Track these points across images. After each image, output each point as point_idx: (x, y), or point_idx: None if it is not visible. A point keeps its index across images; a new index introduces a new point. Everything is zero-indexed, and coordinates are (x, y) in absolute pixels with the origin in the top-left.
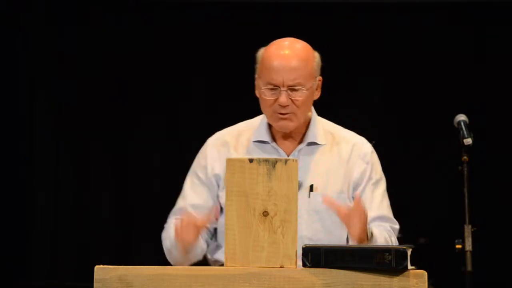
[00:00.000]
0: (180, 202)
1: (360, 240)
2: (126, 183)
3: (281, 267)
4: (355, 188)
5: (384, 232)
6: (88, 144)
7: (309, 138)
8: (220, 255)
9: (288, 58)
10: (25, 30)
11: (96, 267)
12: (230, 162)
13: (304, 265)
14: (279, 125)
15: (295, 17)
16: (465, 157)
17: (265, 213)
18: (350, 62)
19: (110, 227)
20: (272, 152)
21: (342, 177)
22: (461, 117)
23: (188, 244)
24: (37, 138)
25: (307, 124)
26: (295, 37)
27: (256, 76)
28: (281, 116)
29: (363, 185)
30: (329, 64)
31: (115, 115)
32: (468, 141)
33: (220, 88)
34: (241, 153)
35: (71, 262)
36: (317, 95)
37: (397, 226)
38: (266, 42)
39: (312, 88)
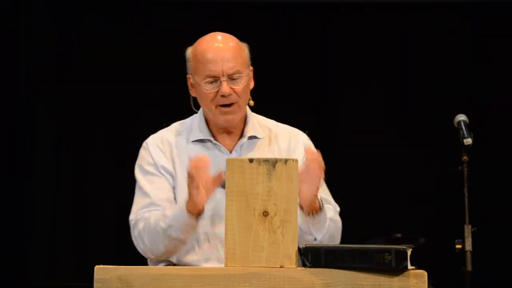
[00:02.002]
0: (144, 200)
1: (310, 208)
2: (126, 183)
3: (281, 267)
4: None
5: (331, 209)
6: (88, 144)
7: (249, 132)
8: (190, 258)
9: (223, 49)
10: (25, 30)
11: (96, 267)
12: (230, 162)
13: (304, 265)
14: (224, 119)
15: (295, 17)
16: (465, 157)
17: (265, 213)
18: (350, 62)
19: (110, 227)
20: (213, 149)
21: None
22: (461, 117)
23: (202, 207)
24: (37, 138)
25: (244, 119)
26: (296, 37)
27: (189, 75)
28: (225, 109)
29: None
30: (330, 64)
31: (115, 115)
32: (468, 141)
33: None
34: (182, 153)
35: (71, 262)
36: (252, 85)
37: (338, 208)
38: (266, 42)
39: (249, 76)
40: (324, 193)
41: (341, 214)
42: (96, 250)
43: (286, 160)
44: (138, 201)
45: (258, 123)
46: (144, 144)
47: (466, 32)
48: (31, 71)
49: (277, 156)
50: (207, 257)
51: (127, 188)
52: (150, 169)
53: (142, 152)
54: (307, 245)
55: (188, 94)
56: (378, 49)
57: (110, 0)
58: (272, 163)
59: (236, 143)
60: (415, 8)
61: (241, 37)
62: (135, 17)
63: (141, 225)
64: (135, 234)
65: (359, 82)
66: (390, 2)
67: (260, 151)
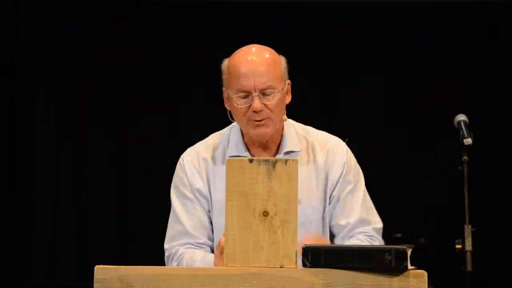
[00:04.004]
0: (177, 226)
1: None
2: (126, 182)
3: (281, 267)
4: (334, 193)
5: (365, 241)
6: (88, 144)
7: (285, 147)
8: None
9: (256, 63)
10: (25, 30)
11: (96, 267)
12: (230, 162)
13: (304, 265)
14: (256, 133)
15: (295, 17)
16: (465, 157)
17: (265, 213)
18: (350, 62)
19: (110, 227)
20: None
21: (322, 185)
22: (461, 117)
23: None
24: (37, 138)
25: (281, 132)
26: (296, 37)
27: (224, 88)
28: (257, 123)
29: (341, 189)
30: (330, 64)
31: (115, 115)
32: (468, 141)
33: (220, 88)
34: (218, 172)
35: (71, 262)
36: (288, 99)
37: (379, 225)
38: (266, 42)
39: (283, 91)
40: (365, 212)
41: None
42: (96, 250)
43: (286, 160)
44: (172, 227)
45: (297, 134)
46: (180, 161)
47: (466, 32)
48: (31, 71)
49: (314, 172)
50: None
51: (127, 188)
52: (186, 191)
53: (179, 170)
54: (307, 245)
55: (185, 92)
56: (378, 49)
57: (110, 0)
58: (272, 163)
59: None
60: (415, 8)
61: (241, 37)
62: (135, 17)
63: (175, 264)
64: (168, 264)
65: (359, 82)
66: (390, 2)
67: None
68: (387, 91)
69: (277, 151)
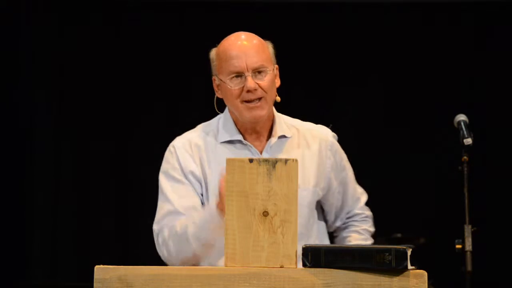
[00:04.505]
0: (167, 207)
1: None
2: (126, 183)
3: (281, 267)
4: (330, 181)
5: (361, 227)
6: (88, 144)
7: (278, 131)
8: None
9: (246, 46)
10: (25, 30)
11: (96, 267)
12: (230, 162)
13: (304, 265)
14: (251, 115)
15: (295, 17)
16: (465, 157)
17: (265, 213)
18: (350, 62)
19: (110, 227)
20: (243, 150)
21: (316, 170)
22: (461, 117)
23: None
24: (37, 138)
25: (272, 118)
26: (296, 36)
27: (214, 76)
28: (252, 105)
29: (337, 176)
30: (330, 64)
31: (115, 115)
32: (468, 141)
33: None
34: (211, 155)
35: (71, 262)
36: (278, 83)
37: (366, 197)
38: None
39: (274, 72)
40: (360, 194)
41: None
42: (96, 250)
43: (286, 160)
44: (161, 208)
45: (285, 122)
46: (170, 147)
47: (466, 31)
48: (31, 71)
49: (308, 157)
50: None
51: (127, 188)
52: (176, 175)
53: (168, 156)
54: (307, 245)
55: (185, 92)
56: (378, 49)
57: (110, 0)
58: (272, 163)
59: (266, 143)
60: (415, 8)
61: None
62: (135, 17)
63: (166, 233)
64: (159, 242)
65: (359, 82)
66: (390, 2)
67: (291, 151)
68: (387, 91)
69: (270, 135)
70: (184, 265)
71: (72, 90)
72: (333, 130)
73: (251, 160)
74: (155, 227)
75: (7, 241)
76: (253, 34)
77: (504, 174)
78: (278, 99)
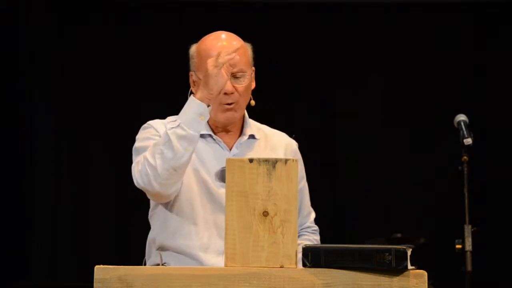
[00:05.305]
0: (143, 152)
1: None
2: (126, 183)
3: (281, 267)
4: None
5: (312, 236)
6: (88, 144)
7: (248, 131)
8: (189, 244)
9: (227, 48)
10: (25, 29)
11: (96, 267)
12: (230, 162)
13: (304, 265)
14: (225, 116)
15: (295, 17)
16: (465, 157)
17: (265, 213)
18: (350, 61)
19: (110, 227)
20: (213, 144)
21: None
22: (461, 117)
23: (216, 92)
24: (37, 138)
25: (242, 118)
26: (295, 36)
27: (192, 72)
28: (227, 107)
29: (299, 185)
30: (330, 64)
31: (115, 114)
32: (468, 141)
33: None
34: None
35: (71, 262)
36: (253, 85)
37: (314, 214)
38: (266, 41)
39: (251, 76)
40: (308, 201)
41: (338, 214)
42: (96, 250)
43: (286, 160)
44: (136, 158)
45: (254, 125)
46: (145, 124)
47: (466, 32)
48: (31, 71)
49: None
50: (206, 246)
51: (127, 188)
52: (153, 136)
53: (143, 130)
54: (307, 245)
55: (185, 91)
56: (378, 49)
57: (110, 0)
58: (272, 163)
59: (235, 141)
60: (415, 8)
61: (240, 37)
62: (135, 17)
63: (140, 157)
64: (138, 168)
65: (359, 82)
66: (390, 2)
67: (258, 151)
68: (387, 91)
69: (240, 134)
70: (168, 181)
71: (72, 90)
72: (296, 140)
73: (251, 160)
74: (137, 158)
75: (7, 241)
76: (235, 35)
77: (504, 174)
78: (253, 103)
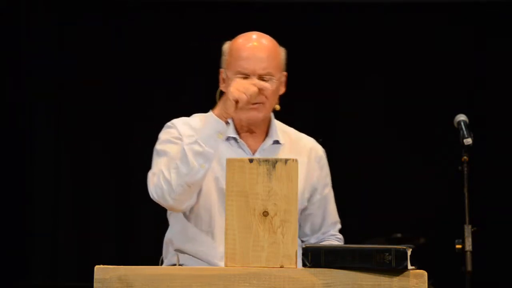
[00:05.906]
0: (163, 159)
1: None
2: (126, 183)
3: (281, 267)
4: (313, 192)
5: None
6: (88, 144)
7: (273, 136)
8: (197, 247)
9: (258, 49)
10: (25, 30)
11: (96, 267)
12: (230, 162)
13: (304, 265)
14: (247, 116)
15: (295, 17)
16: (465, 157)
17: (265, 213)
18: (350, 62)
19: (110, 227)
20: (236, 148)
21: (303, 178)
22: (461, 117)
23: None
24: (37, 138)
25: (268, 122)
26: (295, 36)
27: (222, 69)
28: (251, 106)
29: (321, 190)
30: (329, 64)
31: (115, 115)
32: (468, 141)
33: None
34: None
35: (71, 262)
36: (282, 90)
37: (340, 225)
38: None
39: (280, 80)
40: (334, 210)
41: (338, 214)
42: (96, 250)
43: (286, 160)
44: (157, 162)
45: (279, 129)
46: (168, 123)
47: (466, 32)
48: (31, 71)
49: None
50: (222, 255)
51: (127, 188)
52: (175, 140)
53: (166, 130)
54: (307, 245)
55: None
56: (378, 49)
57: (110, 0)
58: (272, 163)
59: (260, 144)
60: (415, 8)
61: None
62: (135, 17)
63: (157, 169)
64: (154, 181)
65: (358, 82)
66: (390, 2)
67: (282, 157)
68: (387, 91)
69: (265, 137)
70: (181, 197)
71: (72, 90)
72: (322, 145)
73: (251, 160)
74: (149, 173)
75: (7, 241)
76: (269, 37)
77: (504, 174)
78: (278, 107)
